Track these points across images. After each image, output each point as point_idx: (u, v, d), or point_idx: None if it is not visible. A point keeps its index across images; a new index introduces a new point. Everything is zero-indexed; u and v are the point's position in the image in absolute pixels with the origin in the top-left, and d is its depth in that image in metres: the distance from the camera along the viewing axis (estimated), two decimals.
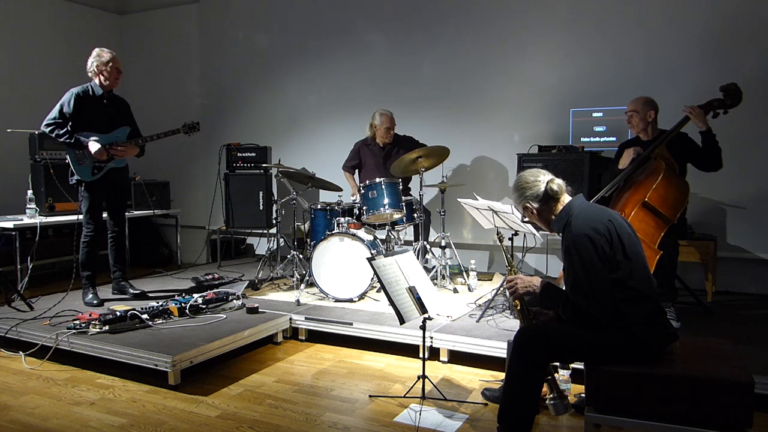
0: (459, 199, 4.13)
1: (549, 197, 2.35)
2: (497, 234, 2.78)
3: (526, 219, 2.48)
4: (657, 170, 3.37)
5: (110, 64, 4.15)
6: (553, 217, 2.38)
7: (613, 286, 2.18)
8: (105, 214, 4.46)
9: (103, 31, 7.12)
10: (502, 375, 3.14)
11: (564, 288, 2.34)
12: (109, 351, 3.35)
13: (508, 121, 5.42)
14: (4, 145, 5.72)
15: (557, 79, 5.21)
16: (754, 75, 4.42)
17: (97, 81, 4.19)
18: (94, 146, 4.06)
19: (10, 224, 4.76)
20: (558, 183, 2.36)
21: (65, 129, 4.07)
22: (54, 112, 4.10)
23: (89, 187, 4.21)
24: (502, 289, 4.06)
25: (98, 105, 4.20)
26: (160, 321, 3.75)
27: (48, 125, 4.09)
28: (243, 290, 4.51)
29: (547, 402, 2.41)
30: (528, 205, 2.40)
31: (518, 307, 2.51)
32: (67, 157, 4.19)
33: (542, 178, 2.38)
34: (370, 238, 4.36)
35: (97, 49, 4.20)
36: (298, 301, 4.27)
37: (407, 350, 3.66)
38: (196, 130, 4.35)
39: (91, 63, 4.17)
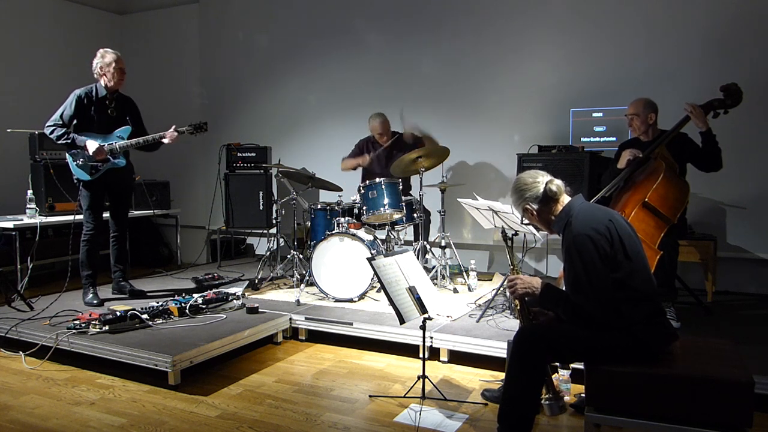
0: (459, 199, 4.13)
1: (548, 198, 2.35)
2: (502, 232, 2.76)
3: (526, 221, 2.48)
4: (657, 170, 3.37)
5: (113, 65, 4.15)
6: (553, 218, 2.38)
7: (614, 286, 2.17)
8: (107, 214, 4.47)
9: (103, 31, 7.12)
10: (502, 375, 3.14)
11: (564, 288, 2.34)
12: (109, 351, 3.35)
13: (508, 121, 5.42)
14: (4, 145, 5.72)
15: (557, 79, 5.21)
16: (755, 75, 4.41)
17: (102, 82, 4.20)
18: (92, 145, 4.06)
19: (10, 224, 4.76)
20: (557, 184, 2.36)
21: (64, 130, 4.08)
22: (56, 115, 4.13)
23: (88, 186, 4.22)
24: (502, 289, 4.06)
25: (101, 106, 4.20)
26: (160, 321, 3.75)
27: (48, 126, 4.12)
28: (243, 290, 4.51)
29: (542, 402, 2.41)
30: (527, 206, 2.39)
31: (518, 307, 2.51)
32: (66, 156, 4.21)
33: (541, 179, 2.37)
34: (370, 238, 4.36)
35: (101, 50, 4.21)
36: (298, 301, 4.27)
37: (407, 350, 3.66)
38: (203, 130, 4.34)
39: (96, 64, 4.18)
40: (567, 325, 2.38)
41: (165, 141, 4.21)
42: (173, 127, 4.24)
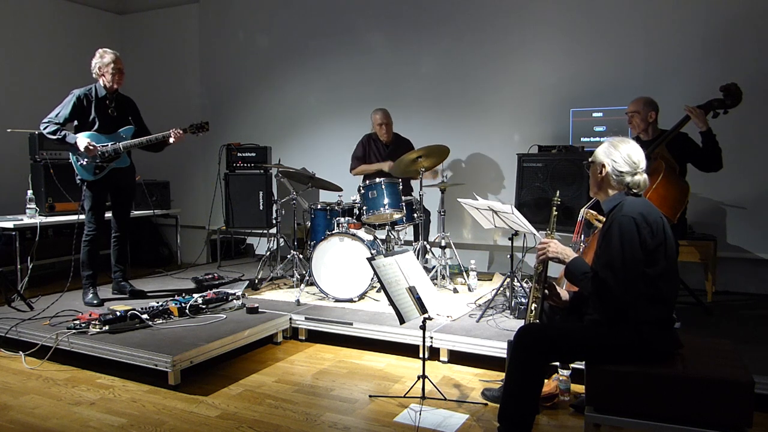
0: (459, 199, 4.13)
1: (624, 181, 2.32)
2: (556, 197, 2.67)
3: (591, 164, 2.42)
4: (657, 170, 3.37)
5: (111, 66, 4.15)
6: (603, 190, 2.37)
7: (644, 279, 2.17)
8: (109, 214, 4.48)
9: (103, 31, 7.12)
10: (502, 375, 3.14)
11: (568, 281, 2.34)
12: (109, 351, 3.35)
13: (508, 121, 5.42)
14: (4, 145, 5.72)
15: (557, 79, 5.20)
16: (755, 75, 4.41)
17: (101, 82, 4.21)
18: (81, 143, 4.05)
19: (10, 224, 4.76)
20: (644, 180, 2.31)
21: (56, 127, 4.07)
22: (53, 113, 4.12)
23: (92, 186, 4.22)
24: (502, 288, 4.06)
25: (101, 106, 4.21)
26: (160, 321, 3.75)
27: (43, 123, 4.10)
28: (243, 290, 4.51)
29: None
30: (606, 163, 2.33)
31: (539, 271, 2.49)
32: (70, 156, 4.21)
33: (638, 164, 2.31)
34: (370, 238, 4.36)
35: (99, 50, 4.21)
36: (298, 301, 4.27)
37: (407, 350, 3.66)
38: (204, 130, 4.32)
39: (94, 64, 4.19)
40: (568, 323, 2.38)
41: (171, 141, 4.21)
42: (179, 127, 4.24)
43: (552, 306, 2.59)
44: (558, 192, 2.77)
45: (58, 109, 4.14)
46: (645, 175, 2.33)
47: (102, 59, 4.16)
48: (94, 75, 4.21)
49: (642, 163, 2.33)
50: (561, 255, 2.36)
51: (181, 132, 4.21)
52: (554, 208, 2.64)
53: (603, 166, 2.35)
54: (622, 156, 2.32)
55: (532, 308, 2.51)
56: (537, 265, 2.51)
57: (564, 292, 2.57)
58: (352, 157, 5.29)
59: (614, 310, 2.20)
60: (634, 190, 2.32)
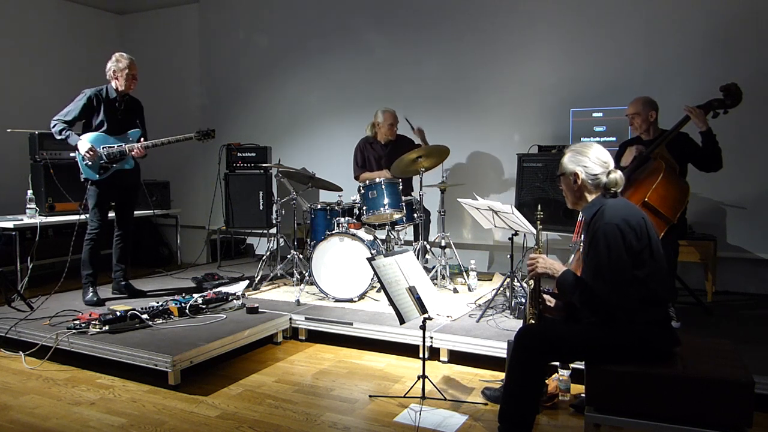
0: (459, 199, 4.13)
1: (600, 182, 2.30)
2: (538, 212, 2.65)
3: (560, 177, 2.40)
4: (657, 170, 3.37)
5: (126, 71, 4.21)
6: (582, 199, 2.35)
7: (634, 282, 2.17)
8: (112, 214, 4.49)
9: (103, 31, 7.12)
10: (502, 375, 3.14)
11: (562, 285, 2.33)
12: (109, 351, 3.35)
13: (508, 121, 5.42)
14: (4, 145, 5.72)
15: (557, 79, 5.20)
16: (755, 75, 4.41)
17: (113, 84, 4.24)
18: (82, 146, 4.09)
19: (10, 224, 4.77)
20: (620, 177, 2.29)
21: (64, 126, 4.13)
22: (64, 110, 4.18)
23: (96, 185, 4.25)
24: (502, 288, 4.06)
25: (111, 107, 4.24)
26: (160, 321, 3.75)
27: (53, 120, 4.16)
28: (243, 290, 4.50)
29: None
30: (579, 171, 2.31)
31: (531, 287, 2.49)
32: (76, 155, 4.23)
33: (608, 164, 2.31)
34: (370, 238, 4.36)
35: (117, 54, 4.27)
36: (298, 301, 4.27)
37: (407, 350, 3.66)
38: (210, 137, 4.32)
39: (109, 67, 4.23)
40: (568, 324, 2.38)
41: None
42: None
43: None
44: (539, 206, 2.74)
45: (69, 108, 4.18)
46: (619, 172, 2.31)
47: (118, 63, 4.21)
48: (107, 77, 4.25)
49: (611, 161, 2.33)
50: (550, 270, 2.35)
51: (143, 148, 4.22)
52: (537, 222, 2.63)
53: (575, 175, 2.33)
54: (591, 159, 2.31)
55: (531, 322, 2.51)
56: (528, 281, 2.50)
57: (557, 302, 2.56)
58: (354, 165, 5.28)
59: (607, 317, 2.19)
60: (613, 189, 2.29)
